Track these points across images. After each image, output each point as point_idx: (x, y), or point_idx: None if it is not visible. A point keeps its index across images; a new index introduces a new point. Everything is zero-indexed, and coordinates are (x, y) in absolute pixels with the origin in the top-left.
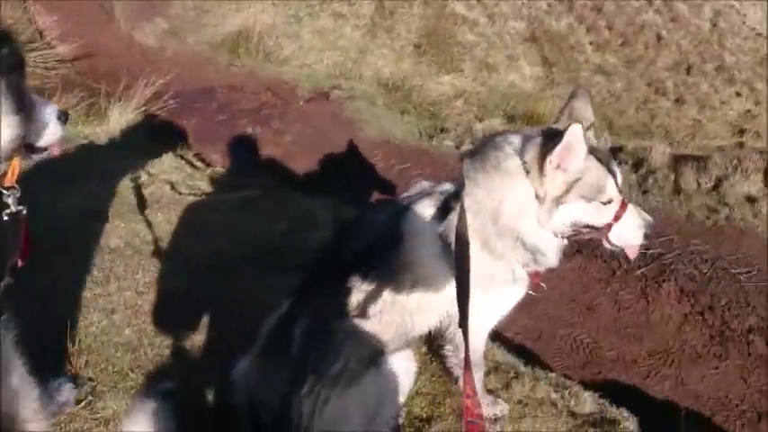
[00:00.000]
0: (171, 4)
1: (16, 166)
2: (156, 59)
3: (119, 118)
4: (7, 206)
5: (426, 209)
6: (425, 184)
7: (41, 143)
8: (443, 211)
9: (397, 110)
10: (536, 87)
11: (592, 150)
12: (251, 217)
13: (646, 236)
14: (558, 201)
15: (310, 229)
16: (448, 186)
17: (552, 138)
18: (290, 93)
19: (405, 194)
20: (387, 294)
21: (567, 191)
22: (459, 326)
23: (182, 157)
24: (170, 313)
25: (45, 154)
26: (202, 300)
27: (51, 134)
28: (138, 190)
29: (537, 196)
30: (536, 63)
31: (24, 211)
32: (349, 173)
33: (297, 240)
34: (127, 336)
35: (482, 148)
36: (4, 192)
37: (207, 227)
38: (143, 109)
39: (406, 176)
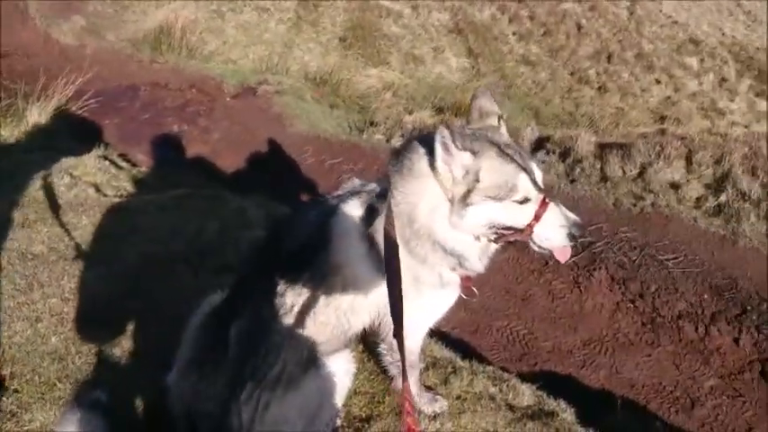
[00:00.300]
0: (88, 2)
1: None
2: (76, 58)
3: (38, 119)
4: None
5: (354, 209)
6: (356, 181)
7: None
8: (371, 211)
9: (326, 104)
10: (463, 78)
11: (500, 147)
12: (179, 217)
13: (571, 236)
14: (465, 202)
15: (242, 228)
16: (375, 186)
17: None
18: (215, 89)
19: (336, 192)
20: (320, 295)
21: (470, 191)
22: (394, 336)
23: (105, 158)
24: (98, 319)
25: None
26: (131, 304)
27: None
28: (57, 193)
29: (449, 198)
30: (461, 54)
31: None
32: (278, 169)
33: (228, 239)
34: (53, 344)
35: (403, 149)
36: None
37: (134, 228)
38: (63, 109)
39: (337, 171)
